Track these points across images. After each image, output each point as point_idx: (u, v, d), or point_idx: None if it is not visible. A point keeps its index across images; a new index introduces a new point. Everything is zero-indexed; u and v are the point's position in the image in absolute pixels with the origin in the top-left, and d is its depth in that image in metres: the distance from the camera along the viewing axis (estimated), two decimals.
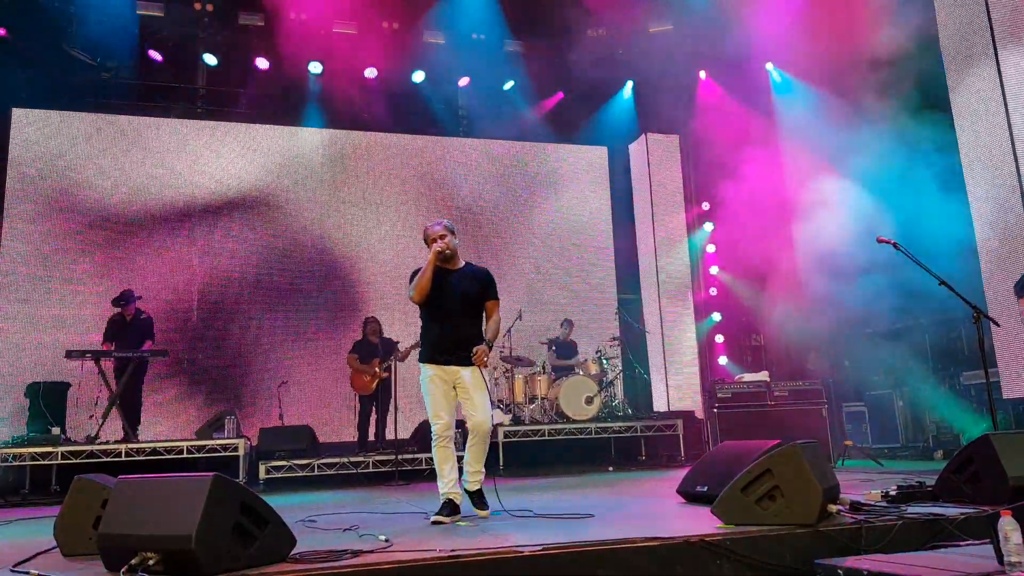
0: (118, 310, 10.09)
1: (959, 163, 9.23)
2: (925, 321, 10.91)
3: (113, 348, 9.77)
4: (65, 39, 11.39)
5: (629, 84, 13.67)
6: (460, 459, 5.50)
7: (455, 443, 5.54)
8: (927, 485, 5.01)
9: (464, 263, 5.68)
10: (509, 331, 11.18)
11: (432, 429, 5.38)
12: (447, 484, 5.31)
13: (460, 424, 7.30)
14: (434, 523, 5.05)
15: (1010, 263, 8.45)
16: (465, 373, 5.40)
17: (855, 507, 4.46)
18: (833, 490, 4.42)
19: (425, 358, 5.50)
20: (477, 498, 5.53)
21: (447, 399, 5.40)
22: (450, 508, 5.21)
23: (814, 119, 11.34)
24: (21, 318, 11.07)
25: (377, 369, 10.09)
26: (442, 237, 5.45)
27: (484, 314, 5.66)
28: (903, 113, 9.98)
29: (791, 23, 11.03)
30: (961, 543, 3.85)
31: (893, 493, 4.92)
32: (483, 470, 5.56)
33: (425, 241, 5.58)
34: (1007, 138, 8.50)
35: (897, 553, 3.72)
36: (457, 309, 5.47)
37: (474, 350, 5.35)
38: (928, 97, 9.90)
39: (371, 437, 10.29)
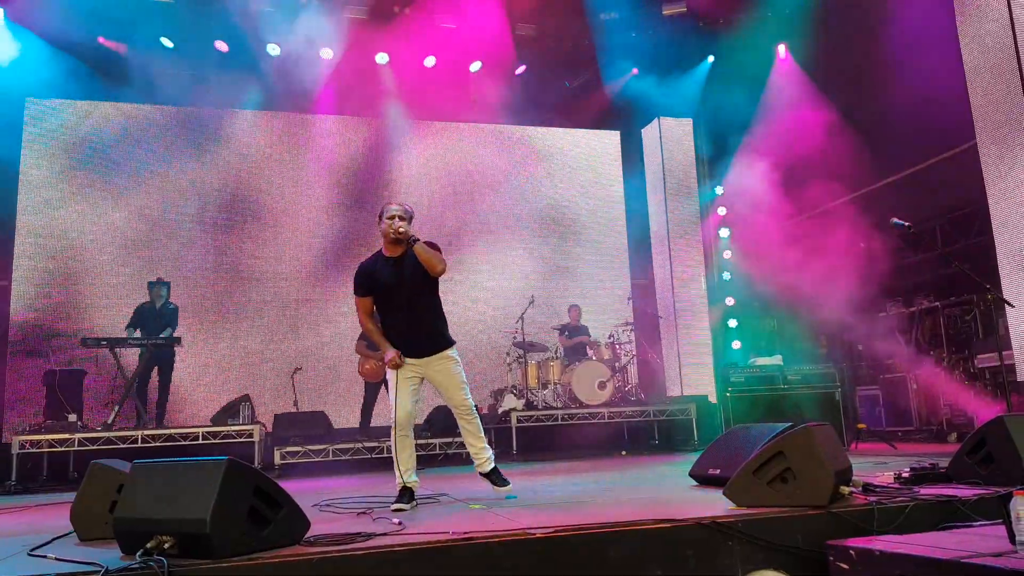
0: (147, 299, 10.16)
1: None
2: (939, 303, 10.86)
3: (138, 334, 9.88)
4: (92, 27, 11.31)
5: (641, 67, 13.53)
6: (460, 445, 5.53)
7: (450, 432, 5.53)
8: (940, 467, 4.99)
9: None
10: (521, 317, 11.19)
11: (392, 417, 5.25)
12: (403, 473, 5.22)
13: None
14: (395, 510, 4.85)
15: None
16: (430, 362, 5.38)
17: (868, 489, 4.45)
18: (845, 472, 4.42)
19: None
20: (494, 476, 5.47)
21: (409, 391, 5.31)
22: (408, 496, 5.14)
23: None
24: (40, 307, 11.17)
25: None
26: (399, 218, 5.22)
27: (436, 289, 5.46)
28: None
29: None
30: (974, 524, 3.84)
31: (906, 475, 4.90)
32: (486, 446, 5.50)
33: (379, 218, 5.33)
34: None
35: (909, 534, 3.72)
36: (409, 298, 5.31)
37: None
38: None
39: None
